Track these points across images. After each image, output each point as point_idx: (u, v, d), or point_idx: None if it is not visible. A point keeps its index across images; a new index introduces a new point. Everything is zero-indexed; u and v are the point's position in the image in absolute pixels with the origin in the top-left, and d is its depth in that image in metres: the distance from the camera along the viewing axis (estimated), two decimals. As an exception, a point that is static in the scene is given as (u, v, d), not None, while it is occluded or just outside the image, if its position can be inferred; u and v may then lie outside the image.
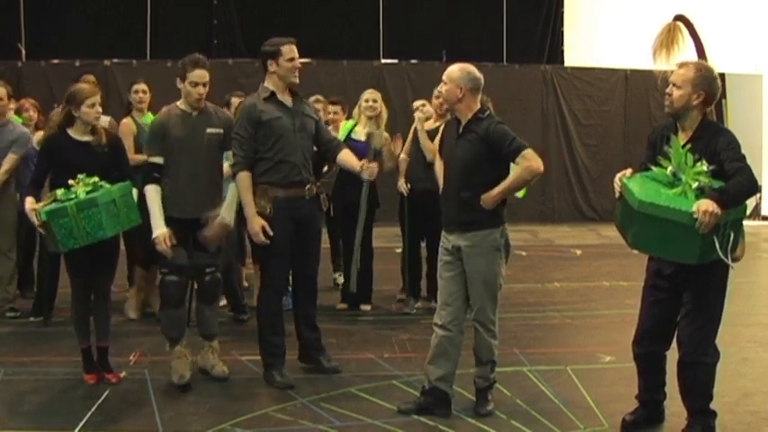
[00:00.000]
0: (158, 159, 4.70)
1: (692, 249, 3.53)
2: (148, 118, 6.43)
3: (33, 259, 6.77)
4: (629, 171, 3.85)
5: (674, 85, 3.79)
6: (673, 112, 3.82)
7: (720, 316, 3.84)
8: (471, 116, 4.22)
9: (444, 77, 4.26)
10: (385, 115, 6.71)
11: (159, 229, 4.62)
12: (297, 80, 4.73)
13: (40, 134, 6.29)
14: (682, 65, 3.87)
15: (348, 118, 7.06)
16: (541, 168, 4.15)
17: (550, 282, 8.35)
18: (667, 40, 4.21)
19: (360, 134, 6.53)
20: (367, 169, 4.79)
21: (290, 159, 4.67)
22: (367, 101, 6.64)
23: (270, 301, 4.80)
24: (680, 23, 4.24)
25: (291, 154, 4.67)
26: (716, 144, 3.68)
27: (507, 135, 4.16)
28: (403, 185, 6.57)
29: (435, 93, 6.44)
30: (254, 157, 4.65)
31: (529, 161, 4.11)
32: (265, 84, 4.75)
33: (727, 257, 3.55)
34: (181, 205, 4.68)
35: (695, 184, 3.56)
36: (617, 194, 3.81)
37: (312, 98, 5.13)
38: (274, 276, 4.78)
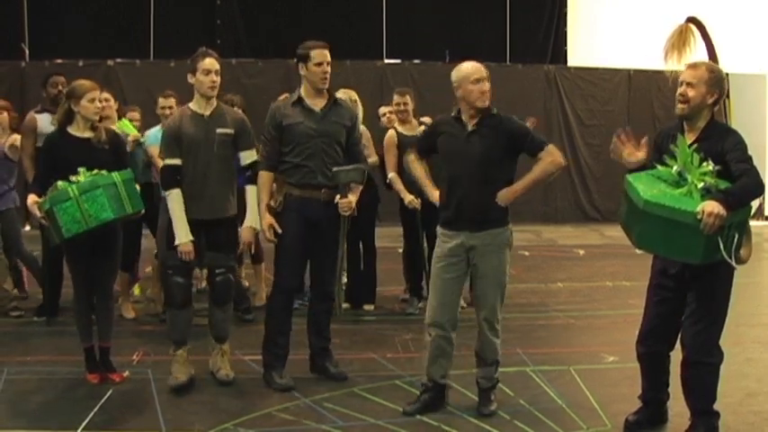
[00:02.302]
0: (177, 161, 4.67)
1: (696, 250, 3.52)
2: (124, 125, 6.40)
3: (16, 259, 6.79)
4: (644, 140, 3.92)
5: (688, 85, 3.77)
6: (688, 113, 3.79)
7: (725, 316, 3.83)
8: (485, 112, 4.24)
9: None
10: (360, 112, 6.67)
11: (184, 238, 4.62)
12: (325, 85, 4.71)
13: (13, 137, 6.23)
14: (692, 65, 3.88)
15: None
16: (564, 162, 4.29)
17: (553, 282, 8.34)
18: (679, 41, 4.21)
19: None
20: (341, 205, 4.78)
21: (306, 164, 4.66)
22: None
23: (278, 300, 4.79)
24: (692, 25, 4.23)
25: (309, 159, 4.66)
26: (723, 144, 3.67)
27: (528, 130, 4.29)
28: (414, 200, 6.37)
29: (397, 100, 6.57)
30: (278, 159, 4.69)
31: (553, 155, 4.23)
32: (300, 87, 4.77)
33: (731, 259, 3.54)
34: (195, 207, 4.67)
35: (701, 185, 3.55)
36: (614, 153, 3.82)
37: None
38: (283, 275, 4.76)
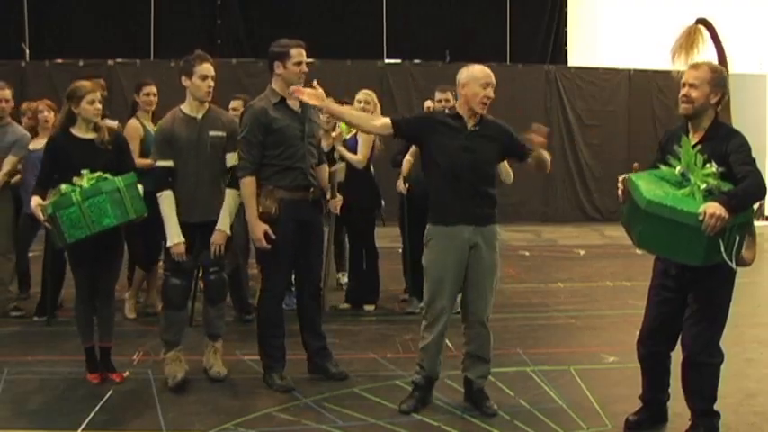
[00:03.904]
0: (169, 163, 4.68)
1: (697, 251, 3.52)
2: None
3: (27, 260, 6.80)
4: (636, 166, 3.90)
5: (690, 86, 3.78)
6: (692, 113, 3.79)
7: (726, 317, 3.83)
8: (482, 114, 4.30)
9: (468, 80, 4.25)
10: (377, 113, 6.71)
11: (176, 239, 4.64)
12: (301, 85, 4.68)
13: None
14: (694, 66, 3.88)
15: None
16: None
17: (554, 282, 8.34)
18: (687, 42, 4.19)
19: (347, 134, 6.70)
20: (335, 204, 5.12)
21: (297, 166, 4.65)
22: (359, 102, 6.65)
23: (270, 303, 4.78)
24: (701, 27, 4.22)
25: (299, 161, 4.65)
26: (727, 146, 3.67)
27: (519, 137, 4.37)
28: (401, 185, 6.55)
29: (439, 98, 6.50)
30: (260, 162, 4.62)
31: None
32: (272, 86, 4.70)
33: (731, 261, 3.54)
34: (187, 210, 4.68)
35: (704, 186, 3.55)
36: (620, 197, 3.81)
37: None
38: (275, 279, 4.77)
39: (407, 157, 6.60)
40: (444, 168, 4.26)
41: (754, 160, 3.65)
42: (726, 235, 3.48)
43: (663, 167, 3.75)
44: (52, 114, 6.45)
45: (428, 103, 7.12)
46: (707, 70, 3.80)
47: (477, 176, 4.24)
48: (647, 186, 3.62)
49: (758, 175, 3.59)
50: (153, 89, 6.38)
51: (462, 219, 4.23)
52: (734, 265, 3.57)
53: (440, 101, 6.57)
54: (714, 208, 3.42)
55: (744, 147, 3.67)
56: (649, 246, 3.76)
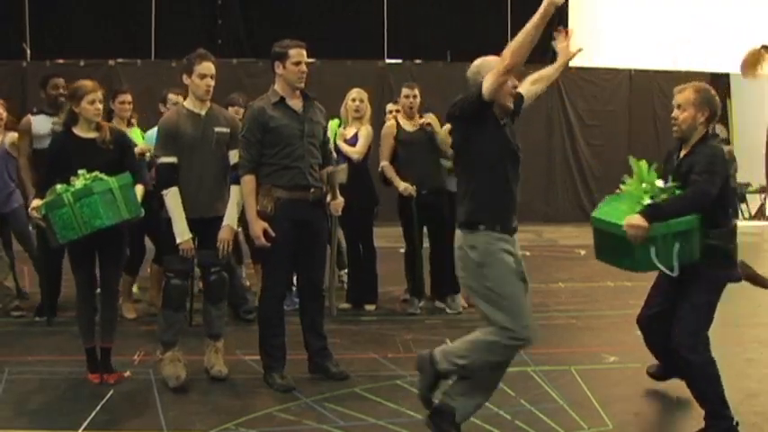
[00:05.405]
0: (173, 159, 4.68)
1: (630, 259, 3.82)
2: (136, 133, 6.40)
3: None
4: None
5: (678, 107, 3.96)
6: (681, 135, 3.98)
7: (710, 317, 3.90)
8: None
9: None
10: (368, 113, 6.74)
11: (185, 235, 4.65)
12: (302, 85, 4.71)
13: (11, 135, 6.26)
14: (680, 89, 4.03)
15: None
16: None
17: (554, 282, 8.34)
18: (752, 59, 4.53)
19: (347, 134, 6.68)
20: (334, 206, 5.22)
21: (295, 165, 4.65)
22: (354, 100, 6.66)
23: (270, 303, 4.79)
24: (765, 51, 4.52)
25: (297, 160, 4.65)
26: (698, 157, 3.85)
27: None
28: (409, 187, 6.43)
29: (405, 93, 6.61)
30: (260, 161, 4.64)
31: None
32: (275, 86, 4.73)
33: (669, 269, 3.74)
34: (190, 206, 4.69)
35: (646, 200, 3.79)
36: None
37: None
38: (275, 278, 4.78)
39: (383, 162, 6.57)
40: (501, 164, 3.75)
41: (712, 171, 3.79)
42: (657, 243, 3.70)
43: (623, 187, 4.03)
44: (5, 113, 6.45)
45: (390, 107, 7.11)
46: (691, 91, 3.96)
47: (517, 176, 3.81)
48: (602, 205, 4.00)
49: (702, 185, 3.76)
50: (128, 97, 6.40)
51: (513, 222, 3.85)
52: (671, 273, 3.75)
53: (407, 96, 6.61)
54: (632, 219, 3.69)
55: (710, 158, 3.84)
56: (602, 257, 4.09)
